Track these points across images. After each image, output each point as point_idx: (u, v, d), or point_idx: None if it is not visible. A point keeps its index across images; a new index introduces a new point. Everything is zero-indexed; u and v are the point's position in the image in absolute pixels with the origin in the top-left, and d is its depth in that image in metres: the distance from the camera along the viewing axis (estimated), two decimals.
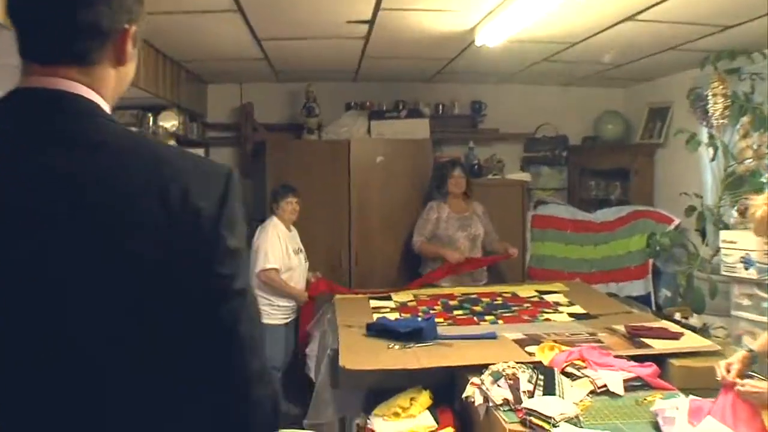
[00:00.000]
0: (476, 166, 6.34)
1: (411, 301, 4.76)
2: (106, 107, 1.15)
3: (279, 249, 4.78)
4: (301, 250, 5.00)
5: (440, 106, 6.68)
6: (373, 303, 4.69)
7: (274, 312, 4.83)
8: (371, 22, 4.10)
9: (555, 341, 3.47)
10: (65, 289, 1.03)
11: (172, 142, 5.02)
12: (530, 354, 3.33)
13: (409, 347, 3.47)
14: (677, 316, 4.39)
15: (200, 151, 6.07)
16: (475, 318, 4.26)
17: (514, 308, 4.47)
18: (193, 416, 1.12)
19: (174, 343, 1.08)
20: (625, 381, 2.94)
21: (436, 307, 4.57)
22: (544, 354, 3.27)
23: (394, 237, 5.92)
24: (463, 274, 5.33)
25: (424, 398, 3.20)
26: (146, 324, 1.06)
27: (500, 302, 4.65)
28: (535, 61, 5.35)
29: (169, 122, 5.19)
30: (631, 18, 3.89)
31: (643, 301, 5.36)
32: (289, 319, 4.93)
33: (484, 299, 4.73)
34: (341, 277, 5.81)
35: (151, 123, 5.14)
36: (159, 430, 1.11)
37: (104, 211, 1.04)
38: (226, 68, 5.74)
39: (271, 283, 4.73)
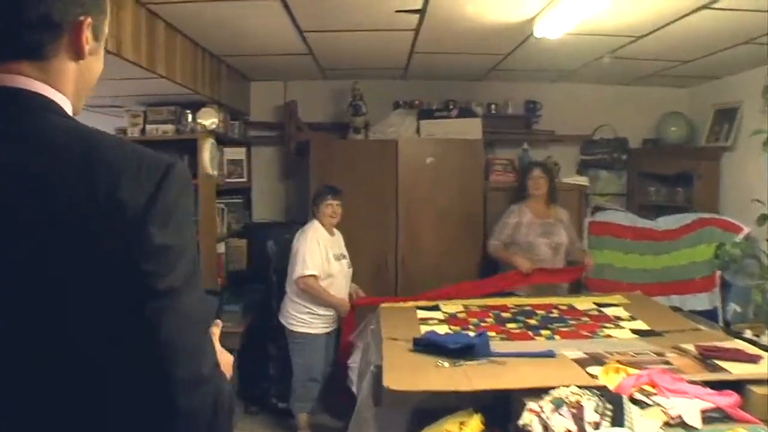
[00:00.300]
0: None
1: (461, 312, 4.45)
2: (65, 101, 1.12)
3: (318, 254, 4.54)
4: (344, 256, 4.74)
5: (493, 106, 6.38)
6: (420, 314, 4.39)
7: (315, 321, 4.58)
8: (422, 12, 3.82)
9: (619, 362, 3.14)
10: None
11: (211, 141, 4.81)
12: (593, 376, 3.00)
13: (459, 365, 3.17)
14: (748, 333, 4.02)
15: (241, 150, 5.89)
16: (529, 332, 3.94)
17: (571, 322, 4.14)
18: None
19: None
20: (702, 411, 2.61)
21: (487, 320, 4.26)
22: (608, 377, 2.94)
23: (444, 241, 5.68)
24: (542, 284, 5.03)
25: (475, 423, 2.90)
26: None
27: (556, 315, 4.33)
28: (597, 56, 4.99)
29: (209, 120, 4.97)
30: (707, 6, 3.55)
31: (709, 316, 4.97)
32: (330, 329, 4.68)
33: (538, 312, 4.41)
34: (387, 282, 5.61)
35: (189, 120, 4.92)
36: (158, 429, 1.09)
37: (43, 206, 1.01)
38: (269, 64, 5.52)
39: (310, 291, 4.49)
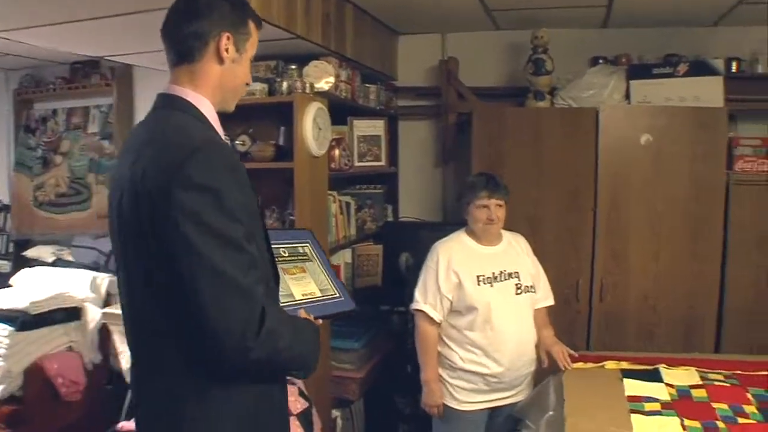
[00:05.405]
0: None
1: (697, 386, 2.70)
2: (200, 99, 1.64)
3: (434, 280, 2.99)
4: (510, 276, 3.01)
5: (734, 63, 4.43)
6: (630, 386, 2.69)
7: (459, 384, 2.99)
8: None
9: None
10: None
11: (317, 105, 3.29)
12: None
13: None
14: None
15: (379, 124, 4.46)
16: None
17: None
18: None
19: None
20: None
21: (746, 408, 2.48)
22: None
23: (664, 259, 3.94)
24: None
25: None
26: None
27: None
28: None
29: (321, 78, 3.50)
30: None
31: None
32: (496, 402, 3.01)
33: None
34: (576, 322, 4.01)
35: (294, 77, 3.43)
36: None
37: (133, 166, 1.54)
38: (418, 5, 3.94)
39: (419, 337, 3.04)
